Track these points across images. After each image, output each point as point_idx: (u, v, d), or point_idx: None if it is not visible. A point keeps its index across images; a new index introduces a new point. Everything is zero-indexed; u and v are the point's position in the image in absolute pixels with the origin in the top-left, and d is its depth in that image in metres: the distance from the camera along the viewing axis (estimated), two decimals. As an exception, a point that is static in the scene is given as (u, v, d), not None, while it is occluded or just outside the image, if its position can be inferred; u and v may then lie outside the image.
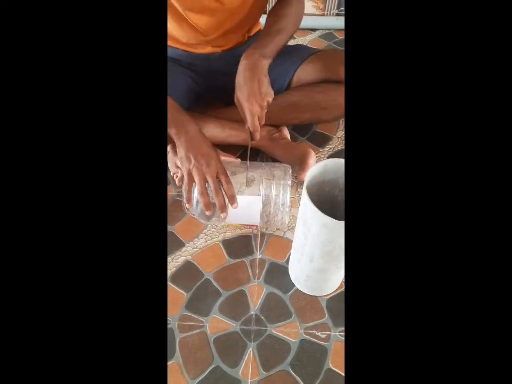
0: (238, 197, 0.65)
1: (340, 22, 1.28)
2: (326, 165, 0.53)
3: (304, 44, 1.20)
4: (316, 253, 0.53)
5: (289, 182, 0.68)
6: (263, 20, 0.93)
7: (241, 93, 0.65)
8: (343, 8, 1.29)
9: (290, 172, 0.70)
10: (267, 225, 0.71)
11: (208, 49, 0.83)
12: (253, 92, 0.65)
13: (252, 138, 0.68)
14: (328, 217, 0.46)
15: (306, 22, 1.31)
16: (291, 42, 1.25)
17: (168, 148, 0.82)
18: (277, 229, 0.76)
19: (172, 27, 0.78)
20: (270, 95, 0.67)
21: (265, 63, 0.68)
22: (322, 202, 0.56)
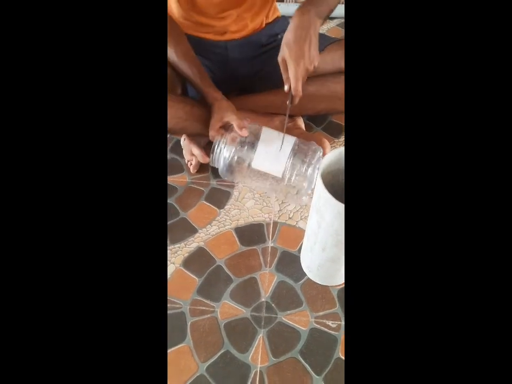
0: (270, 140, 0.67)
1: (359, 11, 1.26)
2: (341, 153, 0.52)
3: (323, 32, 1.19)
4: (329, 242, 0.53)
5: (321, 156, 0.68)
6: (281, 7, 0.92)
7: (291, 53, 0.61)
8: None
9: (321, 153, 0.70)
10: (287, 189, 0.70)
11: (225, 36, 0.83)
12: (302, 54, 0.61)
13: (292, 102, 0.66)
14: (343, 204, 0.45)
15: (324, 11, 1.28)
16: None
17: (184, 136, 0.82)
18: (293, 200, 0.75)
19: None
20: (317, 58, 0.64)
21: (319, 24, 0.64)
22: (337, 191, 0.56)
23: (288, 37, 0.62)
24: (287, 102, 0.67)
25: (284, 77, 0.65)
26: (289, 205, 0.77)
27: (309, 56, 0.62)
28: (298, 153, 0.67)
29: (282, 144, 0.66)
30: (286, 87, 0.66)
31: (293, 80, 0.62)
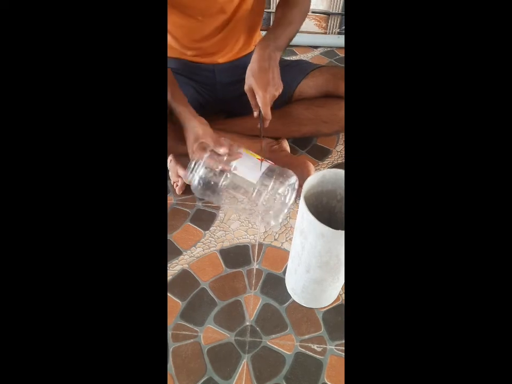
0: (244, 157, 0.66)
1: (341, 40, 1.31)
2: (324, 175, 0.53)
3: (306, 60, 1.23)
4: (313, 263, 0.53)
5: (296, 187, 0.67)
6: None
7: (258, 82, 0.67)
8: (344, 27, 1.32)
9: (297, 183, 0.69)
10: (262, 210, 0.69)
11: (212, 59, 0.85)
12: (268, 81, 0.67)
13: (264, 125, 0.71)
14: (325, 226, 0.46)
15: (309, 39, 1.34)
16: (293, 59, 1.28)
17: (170, 157, 0.83)
18: (270, 223, 0.73)
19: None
20: (281, 87, 0.69)
21: (278, 55, 0.71)
22: (320, 212, 0.56)
23: (252, 67, 0.68)
24: (258, 125, 0.72)
25: (252, 103, 0.71)
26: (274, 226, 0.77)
27: (274, 84, 0.68)
28: (271, 176, 0.67)
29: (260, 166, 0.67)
30: (255, 113, 0.71)
31: (262, 106, 0.67)
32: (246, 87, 0.69)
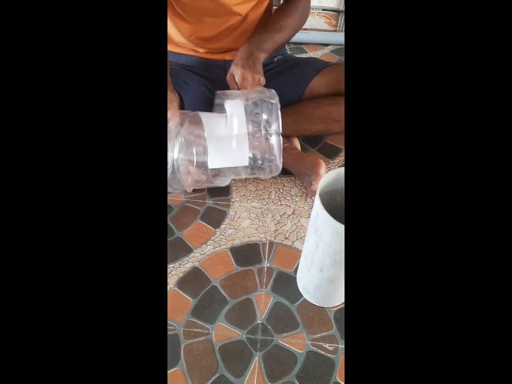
0: (221, 128, 0.63)
1: (351, 38, 1.30)
2: (339, 174, 0.53)
3: (317, 57, 1.22)
4: (327, 262, 0.53)
5: (278, 105, 0.65)
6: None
7: (237, 65, 0.68)
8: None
9: (277, 97, 0.66)
10: (256, 170, 0.65)
11: (224, 56, 0.85)
12: (248, 63, 0.68)
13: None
14: (341, 224, 0.46)
15: (319, 37, 1.34)
16: (303, 57, 1.27)
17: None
18: (270, 175, 0.71)
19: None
20: (262, 74, 0.70)
21: (262, 56, 0.72)
22: (334, 211, 0.56)
23: (235, 61, 0.70)
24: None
25: (231, 86, 0.71)
26: (285, 224, 0.77)
27: (256, 71, 0.69)
28: (253, 123, 0.61)
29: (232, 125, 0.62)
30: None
31: (239, 79, 0.68)
32: (228, 76, 0.70)
